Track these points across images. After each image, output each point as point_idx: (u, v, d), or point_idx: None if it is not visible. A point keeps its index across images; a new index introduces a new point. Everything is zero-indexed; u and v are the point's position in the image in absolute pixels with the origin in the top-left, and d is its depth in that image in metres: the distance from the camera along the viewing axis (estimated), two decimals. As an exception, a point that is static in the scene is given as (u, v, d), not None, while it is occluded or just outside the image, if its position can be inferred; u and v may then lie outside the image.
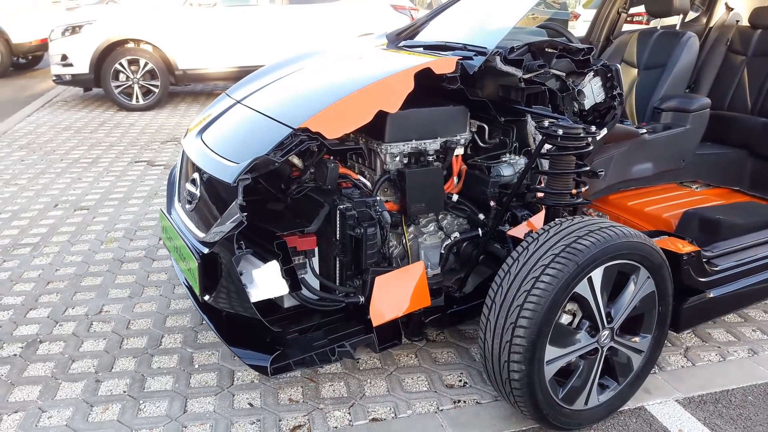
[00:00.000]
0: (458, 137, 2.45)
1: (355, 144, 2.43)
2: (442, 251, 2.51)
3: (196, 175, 2.33)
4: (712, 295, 2.46)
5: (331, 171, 2.20)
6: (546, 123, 2.29)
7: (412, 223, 2.47)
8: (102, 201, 4.43)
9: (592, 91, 2.61)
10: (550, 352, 2.00)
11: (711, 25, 4.11)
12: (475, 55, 2.51)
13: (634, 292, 2.13)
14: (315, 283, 2.24)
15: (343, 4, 8.21)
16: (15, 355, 2.59)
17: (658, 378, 2.51)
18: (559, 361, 2.05)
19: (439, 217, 2.56)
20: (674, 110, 3.38)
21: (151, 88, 7.61)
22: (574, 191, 2.27)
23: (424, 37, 3.26)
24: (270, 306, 2.28)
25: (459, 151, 2.48)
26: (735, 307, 2.83)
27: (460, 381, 2.47)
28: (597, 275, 2.01)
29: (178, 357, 2.59)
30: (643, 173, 3.25)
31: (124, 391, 2.37)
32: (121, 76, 7.45)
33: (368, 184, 2.38)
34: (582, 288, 1.99)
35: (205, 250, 2.06)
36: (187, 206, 2.36)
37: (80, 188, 4.70)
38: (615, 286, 2.14)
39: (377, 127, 2.26)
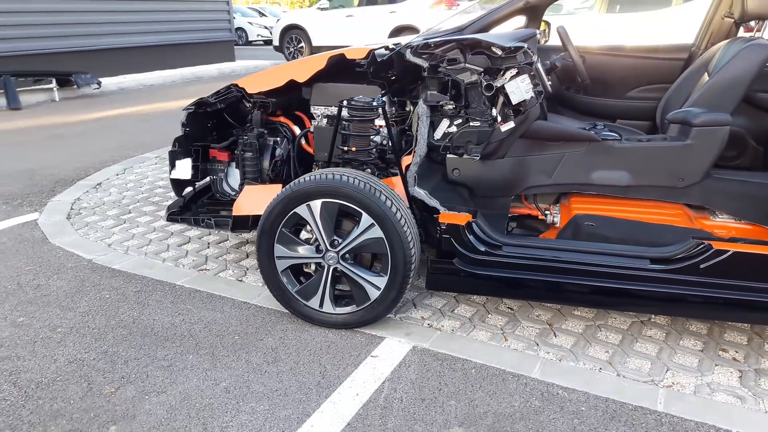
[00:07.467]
0: None
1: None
2: None
3: None
4: (459, 267, 2.68)
5: (255, 116, 3.40)
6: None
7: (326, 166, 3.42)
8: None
9: (520, 88, 3.03)
10: (279, 250, 2.82)
11: None
12: (387, 48, 3.27)
13: (358, 231, 2.71)
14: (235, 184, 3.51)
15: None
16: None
17: (435, 333, 2.84)
18: (287, 260, 2.83)
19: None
20: (679, 122, 3.15)
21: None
22: (346, 148, 2.89)
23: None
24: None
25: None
26: (495, 292, 2.87)
27: (315, 284, 3.34)
28: (316, 205, 2.71)
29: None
30: (612, 181, 3.19)
31: (173, 233, 4.09)
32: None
33: (296, 131, 3.46)
34: (303, 211, 2.74)
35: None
36: None
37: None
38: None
39: None
